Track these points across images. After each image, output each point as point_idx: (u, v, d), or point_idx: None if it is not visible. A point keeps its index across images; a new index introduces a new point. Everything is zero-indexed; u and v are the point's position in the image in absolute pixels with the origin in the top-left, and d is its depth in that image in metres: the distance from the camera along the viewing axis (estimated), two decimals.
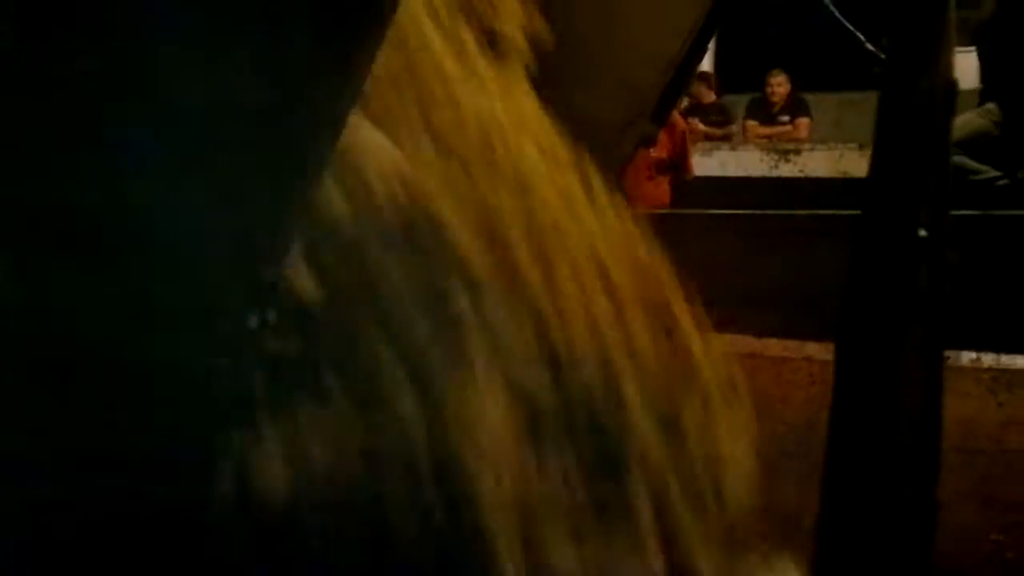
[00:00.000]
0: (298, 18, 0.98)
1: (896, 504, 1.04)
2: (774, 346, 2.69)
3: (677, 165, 6.27)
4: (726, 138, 8.60)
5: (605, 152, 2.24)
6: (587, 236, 1.65)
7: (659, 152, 5.86)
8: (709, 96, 8.96)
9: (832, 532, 1.08)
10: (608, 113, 2.24)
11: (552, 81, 2.12)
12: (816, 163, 7.39)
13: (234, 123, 1.02)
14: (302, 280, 1.29)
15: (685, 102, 8.91)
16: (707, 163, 7.40)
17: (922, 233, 0.95)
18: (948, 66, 1.00)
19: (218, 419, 1.23)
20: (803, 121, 8.68)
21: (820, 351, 2.54)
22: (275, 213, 1.10)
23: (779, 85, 8.67)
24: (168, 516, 1.23)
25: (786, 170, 7.45)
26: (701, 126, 8.63)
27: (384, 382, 1.37)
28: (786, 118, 8.67)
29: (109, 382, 1.13)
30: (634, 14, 2.21)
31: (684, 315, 1.78)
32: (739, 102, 9.07)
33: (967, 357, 2.52)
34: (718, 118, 8.84)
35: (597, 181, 1.77)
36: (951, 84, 1.01)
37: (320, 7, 0.98)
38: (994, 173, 4.14)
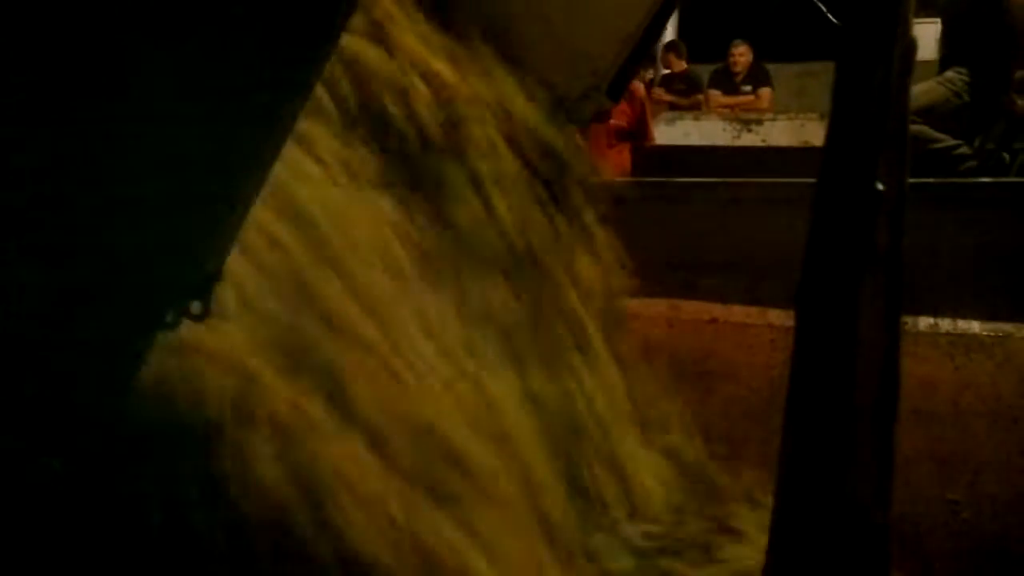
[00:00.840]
0: (251, 22, 0.99)
1: (853, 465, 1.05)
2: (737, 312, 2.72)
3: (636, 133, 6.30)
4: (694, 107, 8.60)
5: (567, 117, 2.28)
6: None
7: (619, 120, 5.91)
8: (679, 65, 8.97)
9: (790, 493, 1.10)
10: (567, 84, 2.26)
11: (520, 52, 2.14)
12: (778, 132, 7.42)
13: (190, 121, 1.03)
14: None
15: (651, 72, 8.94)
16: (671, 132, 7.41)
17: (879, 187, 0.97)
18: (907, 25, 1.02)
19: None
20: (765, 91, 8.71)
21: (782, 317, 2.57)
22: (224, 209, 1.13)
23: (741, 55, 8.69)
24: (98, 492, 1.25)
25: (748, 139, 7.48)
26: (666, 95, 8.64)
27: None
28: (748, 88, 8.69)
29: (54, 360, 1.14)
30: None
31: None
32: (703, 72, 9.08)
33: (925, 322, 2.56)
34: (684, 87, 8.84)
35: None
36: (910, 41, 1.02)
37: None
38: (953, 142, 4.21)
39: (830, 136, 1.03)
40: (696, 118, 7.92)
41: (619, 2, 2.28)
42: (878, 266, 0.98)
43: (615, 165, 5.81)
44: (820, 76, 8.28)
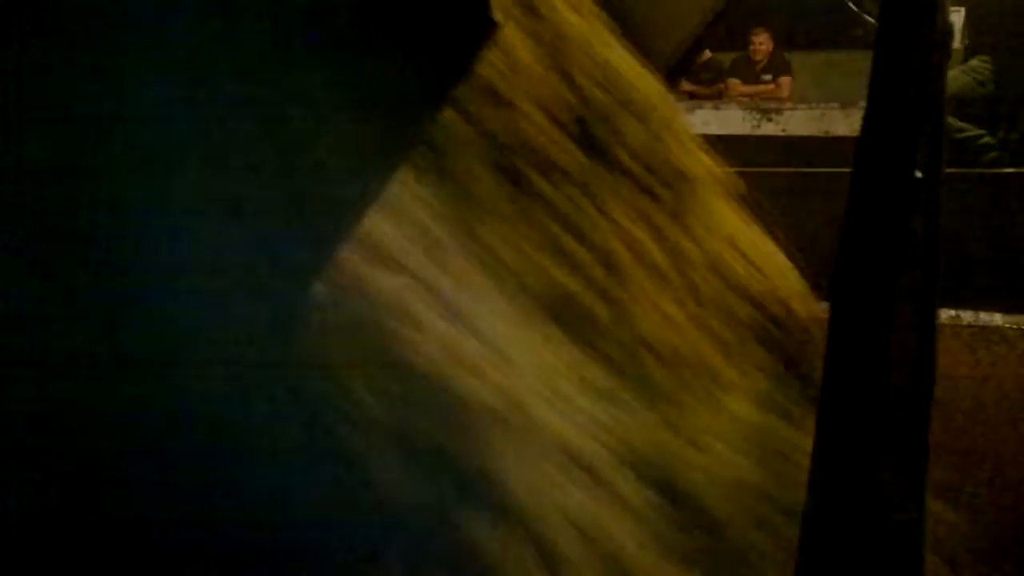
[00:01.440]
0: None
1: (887, 458, 1.05)
2: None
3: None
4: (715, 96, 8.56)
5: None
6: None
7: None
8: (704, 55, 8.92)
9: (823, 486, 1.09)
10: None
11: None
12: (798, 122, 7.38)
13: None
14: None
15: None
16: (690, 121, 7.37)
17: (918, 174, 0.96)
18: (944, 12, 1.01)
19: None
20: (785, 80, 8.65)
21: None
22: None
23: (762, 44, 8.63)
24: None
25: (768, 129, 7.44)
26: (687, 85, 8.60)
27: None
28: (768, 77, 8.64)
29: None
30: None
31: None
32: (724, 60, 9.03)
33: (946, 314, 2.55)
34: (708, 76, 8.79)
35: None
36: (946, 28, 1.01)
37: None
38: (977, 131, 4.17)
39: (867, 123, 1.02)
40: (715, 107, 7.88)
41: (680, 10, 2.30)
42: (915, 256, 0.97)
43: None
44: (841, 66, 8.22)
